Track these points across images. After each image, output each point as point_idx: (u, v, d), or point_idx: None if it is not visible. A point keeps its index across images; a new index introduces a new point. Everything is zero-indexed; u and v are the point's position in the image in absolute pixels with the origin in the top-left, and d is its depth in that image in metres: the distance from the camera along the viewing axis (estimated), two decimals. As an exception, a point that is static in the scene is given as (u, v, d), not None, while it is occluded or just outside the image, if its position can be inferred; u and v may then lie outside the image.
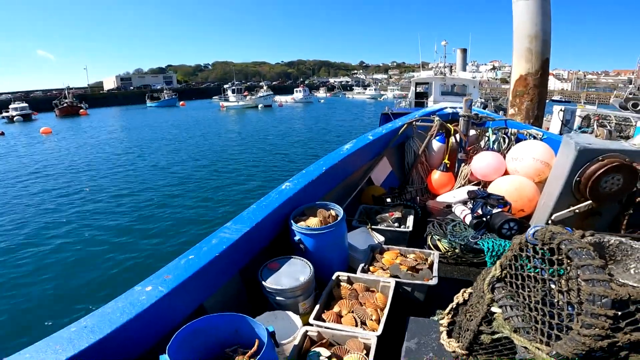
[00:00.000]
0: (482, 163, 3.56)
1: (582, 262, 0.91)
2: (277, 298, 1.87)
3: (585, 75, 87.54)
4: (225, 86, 67.66)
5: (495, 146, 3.89)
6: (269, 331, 1.31)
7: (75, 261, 8.33)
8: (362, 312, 1.80)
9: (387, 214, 3.01)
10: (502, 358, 1.24)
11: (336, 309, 1.84)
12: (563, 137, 2.63)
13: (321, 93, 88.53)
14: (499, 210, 2.75)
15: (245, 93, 61.23)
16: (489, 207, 2.75)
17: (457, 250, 2.68)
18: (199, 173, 16.06)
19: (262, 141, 24.74)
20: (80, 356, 1.17)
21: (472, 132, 4.01)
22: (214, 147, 22.84)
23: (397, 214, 3.00)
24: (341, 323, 1.74)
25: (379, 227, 2.85)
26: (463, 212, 2.89)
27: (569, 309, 0.96)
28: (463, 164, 3.82)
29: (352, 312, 1.82)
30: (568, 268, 0.98)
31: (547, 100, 8.90)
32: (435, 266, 2.21)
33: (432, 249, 2.65)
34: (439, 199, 3.46)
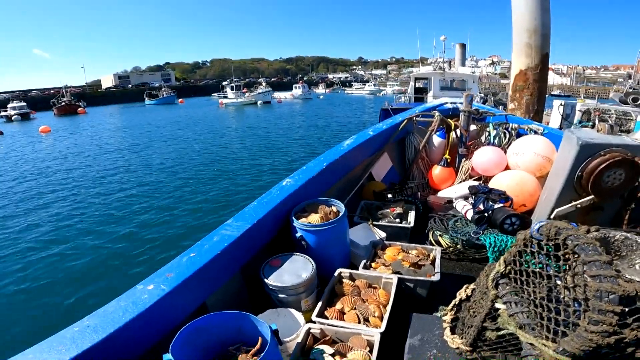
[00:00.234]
0: (483, 158, 3.55)
1: (589, 257, 0.90)
2: (280, 295, 1.86)
3: (584, 70, 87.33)
4: (224, 83, 67.53)
5: (496, 141, 3.88)
6: (272, 329, 1.31)
7: (75, 259, 8.33)
8: (365, 308, 1.79)
9: (388, 210, 3.00)
10: (507, 355, 1.24)
11: (339, 305, 1.84)
12: (564, 131, 2.62)
13: (320, 89, 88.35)
14: (501, 205, 2.73)
15: (244, 90, 60.94)
16: (490, 202, 2.74)
17: (458, 246, 2.67)
18: (199, 171, 16.01)
19: (262, 137, 24.66)
20: (83, 356, 1.16)
21: (472, 127, 4.00)
22: (213, 144, 22.75)
23: (399, 210, 2.99)
24: (344, 320, 1.74)
25: (380, 222, 2.84)
26: (464, 208, 2.88)
27: (575, 305, 0.95)
28: (464, 159, 3.81)
29: (355, 308, 1.81)
30: (574, 264, 0.98)
31: (547, 95, 8.89)
32: (438, 262, 2.20)
33: (433, 245, 2.64)
34: (440, 194, 3.44)
